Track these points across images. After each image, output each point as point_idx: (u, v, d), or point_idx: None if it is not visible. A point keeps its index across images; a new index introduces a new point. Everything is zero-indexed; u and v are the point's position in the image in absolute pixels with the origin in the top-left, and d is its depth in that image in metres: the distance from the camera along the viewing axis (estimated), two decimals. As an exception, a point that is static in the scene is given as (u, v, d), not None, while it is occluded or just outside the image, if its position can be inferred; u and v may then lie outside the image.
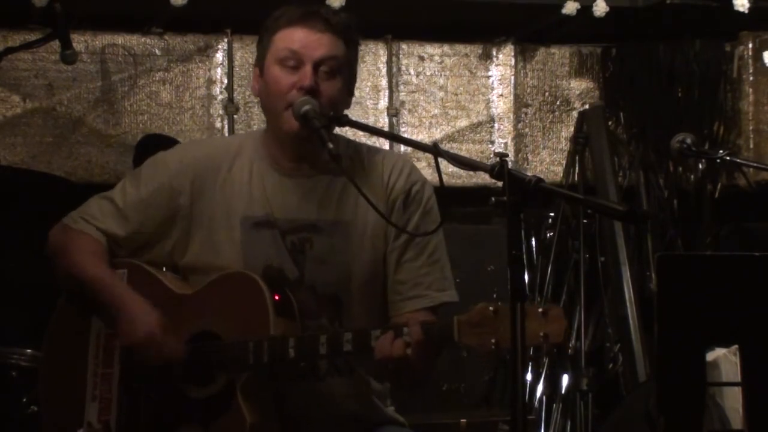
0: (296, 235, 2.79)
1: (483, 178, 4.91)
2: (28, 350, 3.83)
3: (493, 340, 2.43)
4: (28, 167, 4.88)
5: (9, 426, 3.86)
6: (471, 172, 3.24)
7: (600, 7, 4.98)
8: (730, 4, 5.00)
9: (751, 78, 5.45)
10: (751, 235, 5.32)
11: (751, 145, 5.46)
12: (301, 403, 2.77)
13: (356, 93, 2.93)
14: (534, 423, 5.02)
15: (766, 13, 5.11)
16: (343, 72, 2.78)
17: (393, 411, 2.95)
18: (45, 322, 2.95)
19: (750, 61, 5.45)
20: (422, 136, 5.29)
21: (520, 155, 5.45)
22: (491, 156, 5.34)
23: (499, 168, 2.33)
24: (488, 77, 5.41)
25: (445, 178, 2.53)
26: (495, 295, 4.83)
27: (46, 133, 4.97)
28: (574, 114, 5.51)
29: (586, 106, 5.49)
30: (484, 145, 5.41)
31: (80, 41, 4.91)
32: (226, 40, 5.10)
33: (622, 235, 5.18)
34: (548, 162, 5.50)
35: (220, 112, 5.12)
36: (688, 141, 3.73)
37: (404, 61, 5.31)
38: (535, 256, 5.35)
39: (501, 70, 5.42)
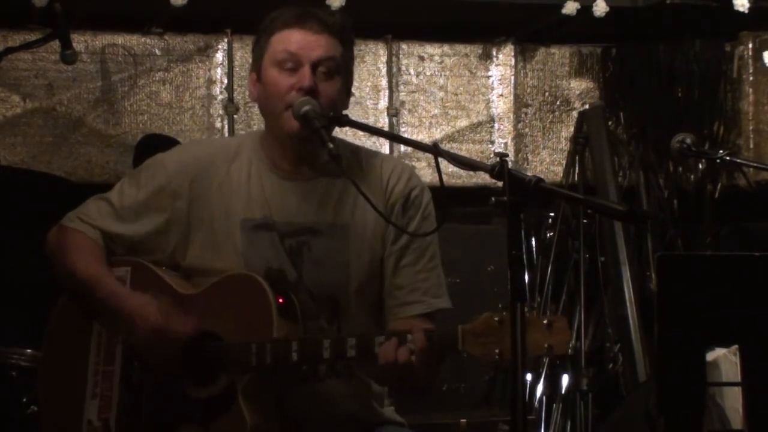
0: (294, 238, 2.78)
1: (483, 178, 4.91)
2: (28, 350, 3.83)
3: (497, 351, 2.43)
4: (28, 167, 4.87)
5: (9, 426, 3.86)
6: (471, 172, 3.24)
7: (600, 7, 4.98)
8: (730, 4, 5.00)
9: (751, 78, 5.45)
10: (751, 235, 5.31)
11: (751, 145, 5.46)
12: (301, 404, 2.76)
13: (356, 93, 2.93)
14: (534, 423, 5.01)
15: (766, 13, 5.10)
16: (341, 72, 2.78)
17: (392, 411, 2.95)
18: (45, 322, 2.94)
19: (750, 61, 5.44)
20: (422, 136, 5.29)
21: (520, 155, 5.45)
22: (491, 156, 5.34)
23: (499, 168, 2.33)
24: (488, 77, 5.41)
25: (445, 178, 2.53)
26: (495, 297, 4.83)
27: (46, 133, 4.96)
28: (574, 114, 5.50)
29: (586, 106, 5.48)
30: (484, 145, 5.41)
31: (80, 41, 4.91)
32: (226, 40, 5.09)
33: (622, 235, 5.18)
34: (548, 162, 5.50)
35: (220, 112, 5.12)
36: (688, 141, 3.73)
37: (404, 61, 5.31)
38: (535, 256, 5.34)
39: (501, 70, 5.41)
